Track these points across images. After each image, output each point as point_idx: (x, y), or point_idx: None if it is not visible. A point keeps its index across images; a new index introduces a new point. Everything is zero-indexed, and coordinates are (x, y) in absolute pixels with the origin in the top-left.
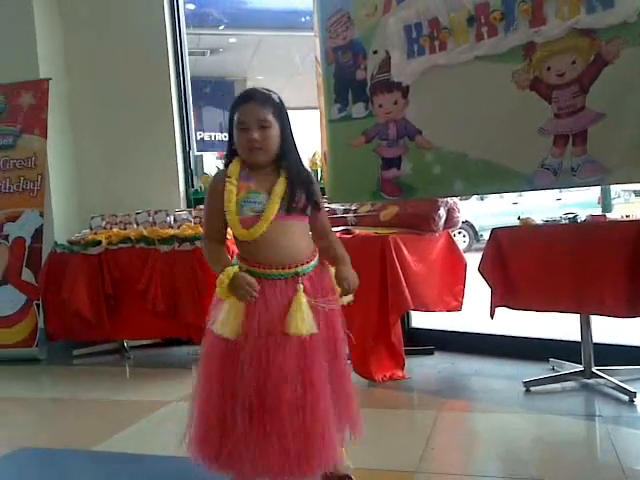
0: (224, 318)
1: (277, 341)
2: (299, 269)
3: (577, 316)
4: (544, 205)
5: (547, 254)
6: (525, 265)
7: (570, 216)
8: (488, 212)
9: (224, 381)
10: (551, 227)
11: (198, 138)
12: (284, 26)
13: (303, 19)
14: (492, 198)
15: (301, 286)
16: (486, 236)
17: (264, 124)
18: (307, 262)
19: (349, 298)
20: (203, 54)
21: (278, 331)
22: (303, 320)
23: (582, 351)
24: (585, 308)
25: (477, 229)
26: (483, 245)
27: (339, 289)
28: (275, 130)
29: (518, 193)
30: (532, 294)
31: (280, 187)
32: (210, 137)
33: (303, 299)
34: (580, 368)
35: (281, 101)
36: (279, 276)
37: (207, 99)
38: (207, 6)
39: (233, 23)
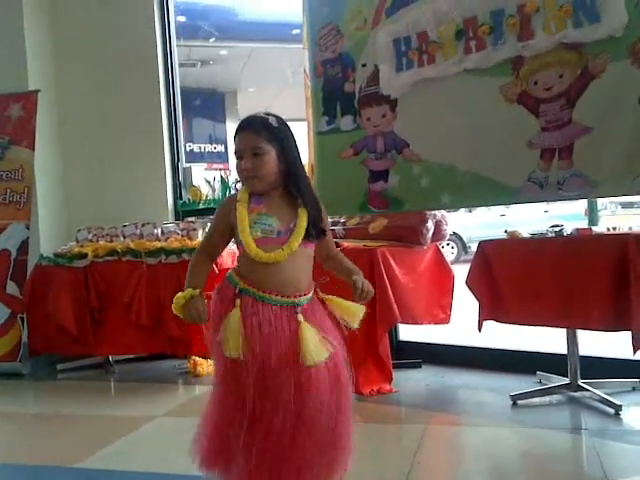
0: (224, 338)
1: (272, 367)
2: (297, 300)
3: (564, 329)
4: (532, 217)
5: (534, 267)
6: (512, 278)
7: (557, 229)
8: (476, 224)
9: (233, 399)
10: (538, 240)
11: (187, 149)
12: (275, 38)
13: (294, 32)
14: (480, 210)
15: (301, 316)
16: (474, 248)
17: (257, 151)
18: (305, 294)
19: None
20: (194, 65)
21: (273, 357)
22: (316, 350)
23: (568, 364)
24: (571, 322)
25: (465, 241)
26: (471, 257)
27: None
28: (270, 157)
29: (506, 205)
30: (519, 308)
31: (304, 221)
32: (200, 148)
33: (309, 329)
34: (566, 381)
35: (282, 124)
36: (276, 302)
37: (197, 110)
38: (198, 18)
39: (224, 35)
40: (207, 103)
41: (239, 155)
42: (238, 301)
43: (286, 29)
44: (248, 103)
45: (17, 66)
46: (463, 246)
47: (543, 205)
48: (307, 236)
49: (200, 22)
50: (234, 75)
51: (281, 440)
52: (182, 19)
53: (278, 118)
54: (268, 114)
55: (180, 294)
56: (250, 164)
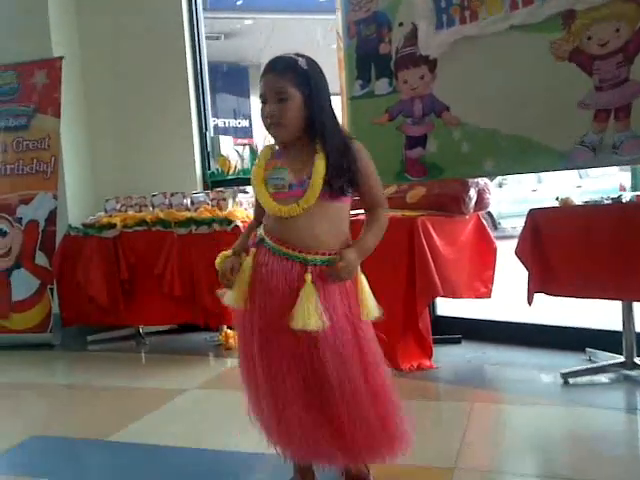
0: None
1: (276, 326)
2: (307, 256)
3: (616, 303)
4: (564, 193)
5: (588, 236)
6: (565, 248)
7: (614, 196)
8: (506, 199)
9: (244, 354)
10: (593, 208)
11: (212, 124)
12: (299, 9)
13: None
14: (511, 185)
15: (309, 276)
16: (504, 224)
17: (281, 96)
18: (321, 253)
19: (374, 313)
20: (217, 38)
21: (276, 314)
22: (310, 315)
23: (624, 341)
24: (629, 294)
25: (495, 217)
26: (501, 233)
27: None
28: (295, 102)
29: (537, 180)
30: (572, 279)
31: (320, 167)
32: (224, 123)
33: (312, 291)
34: (621, 359)
35: (312, 66)
36: (285, 254)
37: (221, 85)
38: None
39: (248, 6)
40: (231, 77)
41: (263, 99)
42: (253, 250)
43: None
44: None
45: (41, 33)
46: (493, 222)
47: (576, 180)
48: (332, 189)
49: None
50: (258, 48)
51: (303, 402)
52: None
53: (309, 59)
54: (298, 55)
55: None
56: (274, 109)
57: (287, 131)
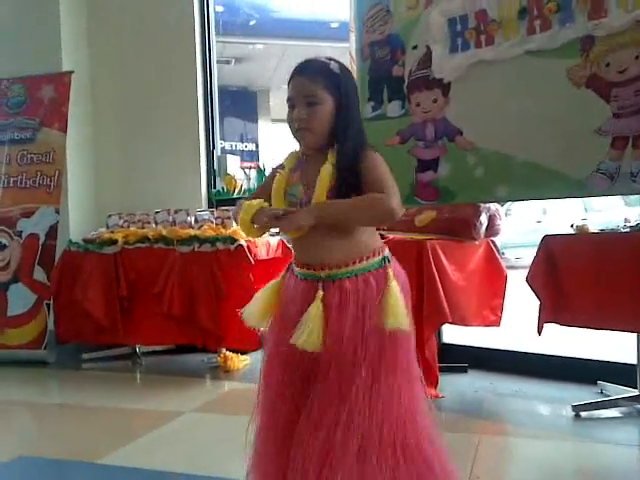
0: (253, 305)
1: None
2: (322, 273)
3: (631, 335)
4: (580, 220)
5: (605, 264)
6: (580, 276)
7: (631, 224)
8: (511, 229)
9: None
10: (611, 235)
11: (219, 146)
12: (310, 36)
13: (332, 25)
14: (515, 215)
15: (320, 293)
16: (508, 254)
17: (311, 100)
18: (338, 266)
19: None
20: (227, 63)
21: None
22: (312, 334)
23: (638, 374)
24: None
25: (499, 246)
26: (505, 263)
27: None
28: (326, 107)
29: (542, 212)
30: (586, 309)
31: (325, 176)
32: (231, 146)
33: (317, 310)
34: (635, 392)
35: (343, 71)
36: (302, 275)
37: (229, 108)
38: (233, 14)
39: (260, 30)
40: (239, 101)
41: (291, 104)
42: (283, 273)
43: (321, 27)
44: (282, 102)
45: (51, 47)
46: (497, 252)
47: (581, 214)
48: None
49: (234, 18)
50: (267, 73)
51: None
52: (220, 9)
53: (340, 64)
54: (330, 59)
55: (246, 205)
56: (303, 114)
57: (315, 137)
